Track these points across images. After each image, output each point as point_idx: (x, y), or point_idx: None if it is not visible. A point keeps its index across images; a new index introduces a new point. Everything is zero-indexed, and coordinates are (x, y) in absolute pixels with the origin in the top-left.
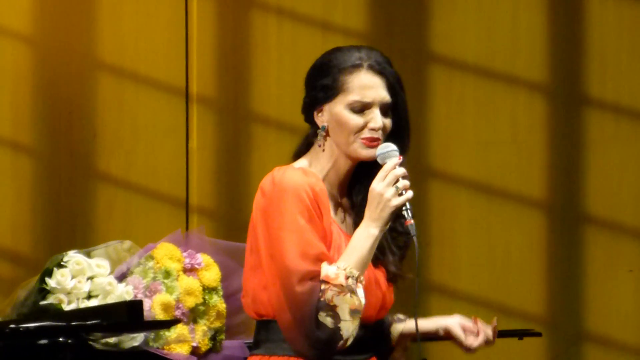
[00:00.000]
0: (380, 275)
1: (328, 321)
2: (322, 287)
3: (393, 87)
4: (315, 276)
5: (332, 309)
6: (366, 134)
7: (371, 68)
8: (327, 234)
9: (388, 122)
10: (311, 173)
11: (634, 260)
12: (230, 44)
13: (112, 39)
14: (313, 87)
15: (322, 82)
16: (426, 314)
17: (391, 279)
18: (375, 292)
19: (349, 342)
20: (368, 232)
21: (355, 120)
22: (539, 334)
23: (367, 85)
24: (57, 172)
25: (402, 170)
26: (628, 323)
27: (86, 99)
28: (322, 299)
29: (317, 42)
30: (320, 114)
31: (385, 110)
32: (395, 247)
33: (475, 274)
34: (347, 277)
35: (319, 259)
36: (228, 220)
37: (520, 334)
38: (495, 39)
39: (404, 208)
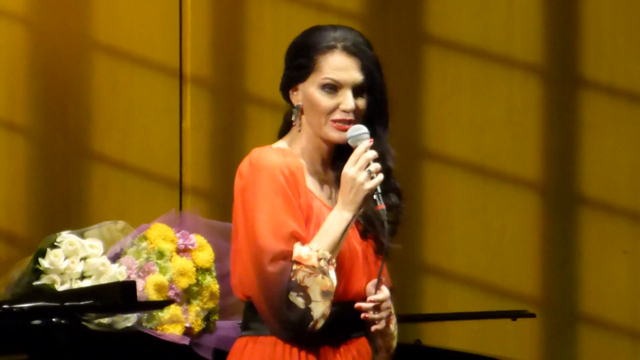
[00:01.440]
0: (368, 247)
1: (299, 301)
2: (294, 267)
3: (368, 68)
4: (287, 256)
5: (303, 290)
6: (337, 115)
7: (345, 49)
8: (306, 212)
9: (361, 103)
10: (288, 152)
11: (629, 242)
12: (224, 24)
13: (106, 19)
14: (289, 66)
15: (297, 62)
16: (421, 295)
17: (380, 250)
18: (363, 265)
19: (319, 324)
20: (342, 216)
21: (326, 101)
22: (532, 315)
23: (339, 66)
24: (52, 153)
25: (373, 153)
26: (622, 304)
27: (81, 79)
28: (293, 279)
29: (312, 23)
30: (295, 93)
31: (358, 92)
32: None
33: (470, 255)
34: (320, 259)
35: (293, 238)
36: (222, 200)
37: (514, 315)
38: (491, 21)
39: (375, 192)
